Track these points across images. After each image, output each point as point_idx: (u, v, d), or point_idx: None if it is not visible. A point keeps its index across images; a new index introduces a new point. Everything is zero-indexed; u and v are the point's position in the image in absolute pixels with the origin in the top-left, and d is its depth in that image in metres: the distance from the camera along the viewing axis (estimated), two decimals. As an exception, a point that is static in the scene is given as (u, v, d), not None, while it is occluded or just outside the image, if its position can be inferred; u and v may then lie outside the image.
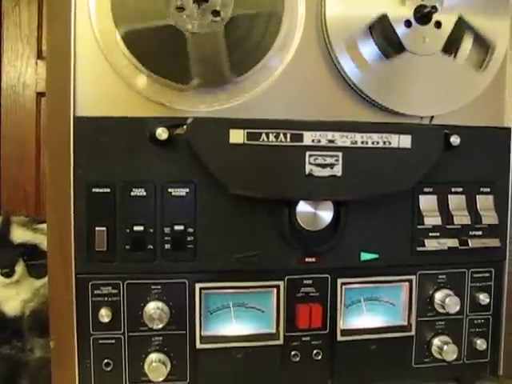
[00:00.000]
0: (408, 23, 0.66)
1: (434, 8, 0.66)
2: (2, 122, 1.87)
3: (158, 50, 0.62)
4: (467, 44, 0.70)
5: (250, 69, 0.64)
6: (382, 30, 0.67)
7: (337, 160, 0.64)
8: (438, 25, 0.67)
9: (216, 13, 0.62)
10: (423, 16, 0.66)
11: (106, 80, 0.63)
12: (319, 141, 0.64)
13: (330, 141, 0.64)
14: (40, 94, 1.86)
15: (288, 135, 0.63)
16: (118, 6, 0.61)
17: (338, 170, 0.64)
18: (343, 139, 0.64)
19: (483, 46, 0.70)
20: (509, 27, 0.71)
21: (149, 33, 0.61)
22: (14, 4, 1.87)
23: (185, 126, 0.62)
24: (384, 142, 0.65)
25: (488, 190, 0.73)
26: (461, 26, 0.68)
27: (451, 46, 0.68)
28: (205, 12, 0.62)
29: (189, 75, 0.62)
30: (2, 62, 1.86)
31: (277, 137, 0.63)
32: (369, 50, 0.67)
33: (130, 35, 0.61)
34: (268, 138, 0.63)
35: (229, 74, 0.63)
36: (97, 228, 0.64)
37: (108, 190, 0.63)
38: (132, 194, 0.64)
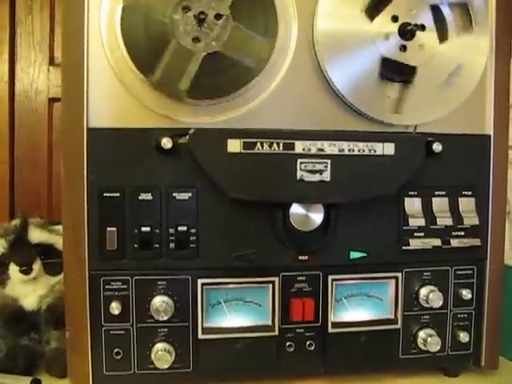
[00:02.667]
0: (394, 18, 0.71)
1: (416, 26, 0.71)
2: (16, 127, 1.88)
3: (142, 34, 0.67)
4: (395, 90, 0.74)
5: (244, 85, 0.68)
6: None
7: (326, 166, 0.69)
8: (404, 49, 0.72)
9: (218, 16, 0.67)
10: (405, 30, 0.71)
11: (116, 94, 0.67)
12: (309, 149, 0.68)
13: (320, 149, 0.68)
14: (52, 100, 1.85)
15: (281, 144, 0.68)
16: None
17: (326, 176, 0.69)
18: (331, 147, 0.69)
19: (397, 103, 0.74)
20: (488, 42, 0.76)
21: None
22: (27, 12, 1.88)
23: (187, 137, 0.67)
24: (369, 150, 0.70)
25: (470, 193, 0.77)
26: (407, 73, 0.73)
27: (388, 71, 0.72)
28: (211, 26, 0.66)
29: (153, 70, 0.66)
30: (15, 68, 1.87)
31: (270, 146, 0.67)
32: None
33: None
34: (262, 146, 0.67)
35: (183, 96, 0.67)
36: (108, 229, 0.68)
37: (118, 195, 0.68)
38: (140, 198, 0.68)
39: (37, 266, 0.82)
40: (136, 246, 0.69)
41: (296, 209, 0.70)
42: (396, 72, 0.73)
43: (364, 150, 0.70)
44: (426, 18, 0.72)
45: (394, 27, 0.71)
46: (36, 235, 0.84)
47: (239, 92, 0.69)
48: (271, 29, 0.69)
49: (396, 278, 0.76)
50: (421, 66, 0.72)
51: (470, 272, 0.78)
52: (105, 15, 0.67)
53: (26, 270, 0.80)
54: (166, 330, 0.71)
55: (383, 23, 0.71)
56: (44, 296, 0.83)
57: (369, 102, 0.72)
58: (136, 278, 0.70)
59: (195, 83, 0.66)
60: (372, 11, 0.71)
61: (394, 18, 0.71)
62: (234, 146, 0.67)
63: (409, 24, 0.71)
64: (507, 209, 1.90)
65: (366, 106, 0.72)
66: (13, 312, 0.82)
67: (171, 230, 0.69)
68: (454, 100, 0.75)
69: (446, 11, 0.73)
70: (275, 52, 0.69)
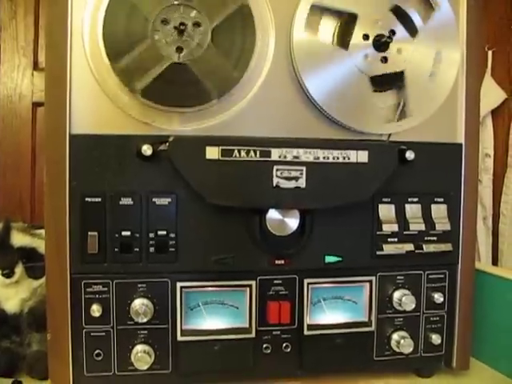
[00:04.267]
0: (366, 37, 0.74)
1: (390, 38, 0.73)
2: (-1, 131, 1.88)
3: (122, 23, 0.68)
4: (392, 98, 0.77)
5: (197, 105, 0.70)
6: (344, 23, 0.74)
7: (301, 173, 0.70)
8: (385, 60, 0.74)
9: (197, 25, 0.69)
10: (379, 43, 0.74)
11: (98, 102, 0.69)
12: (285, 156, 0.70)
13: (295, 156, 0.70)
14: (36, 104, 1.85)
15: (257, 152, 0.69)
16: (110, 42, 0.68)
17: (302, 183, 0.71)
18: (307, 155, 0.71)
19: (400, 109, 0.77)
20: (460, 53, 0.78)
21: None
22: (11, 17, 1.88)
23: (167, 144, 0.68)
24: (343, 158, 0.72)
25: (442, 199, 0.79)
26: (397, 80, 0.76)
27: (379, 85, 0.75)
28: (191, 34, 0.68)
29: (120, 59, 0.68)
30: (-1, 73, 1.88)
31: (248, 153, 0.69)
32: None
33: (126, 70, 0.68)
34: (240, 154, 0.69)
35: (137, 93, 0.68)
36: (89, 233, 0.69)
37: (99, 200, 0.69)
38: (120, 203, 0.70)
39: (19, 269, 0.83)
40: (116, 249, 0.70)
41: (272, 214, 0.72)
42: (386, 83, 0.76)
43: (338, 158, 0.72)
44: (393, 22, 0.75)
45: (369, 45, 0.74)
46: (19, 239, 0.85)
47: (194, 108, 0.70)
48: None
49: (370, 281, 0.78)
50: (407, 68, 0.75)
51: (441, 276, 0.81)
52: (87, 21, 0.68)
53: (8, 273, 0.81)
54: (145, 331, 0.72)
55: (358, 46, 0.74)
56: (26, 299, 0.84)
57: (345, 111, 0.74)
58: (116, 281, 0.71)
59: (152, 85, 0.68)
60: (342, 39, 0.74)
61: (365, 37, 0.74)
62: (213, 153, 0.68)
63: (382, 36, 0.73)
64: (483, 214, 1.94)
65: (343, 116, 0.74)
66: (-6, 315, 0.82)
67: (151, 235, 0.71)
68: (427, 109, 0.77)
69: (406, 6, 0.75)
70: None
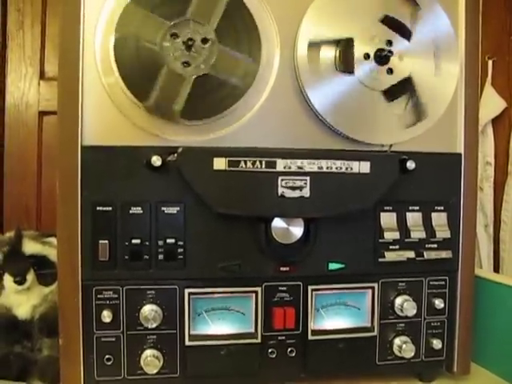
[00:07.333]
0: (367, 56, 0.76)
1: (390, 52, 0.75)
2: (6, 139, 1.89)
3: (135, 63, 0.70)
4: (402, 104, 0.79)
5: (234, 103, 0.72)
6: (343, 50, 0.75)
7: (305, 183, 0.72)
8: (390, 71, 0.76)
9: (205, 40, 0.70)
10: (381, 57, 0.75)
11: (109, 115, 0.71)
12: (290, 167, 0.72)
13: (299, 167, 0.72)
14: (42, 113, 1.86)
15: (263, 162, 0.71)
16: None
17: (306, 192, 0.73)
18: (311, 165, 0.73)
19: (416, 111, 0.79)
20: (458, 64, 0.80)
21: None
22: (19, 27, 1.89)
23: (175, 155, 0.71)
24: (346, 168, 0.74)
25: (442, 208, 0.81)
26: (407, 85, 0.77)
27: (391, 95, 0.77)
28: (199, 51, 0.70)
29: (148, 96, 0.70)
30: (6, 82, 1.89)
31: (254, 164, 0.71)
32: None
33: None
34: (246, 164, 0.71)
35: (177, 117, 0.71)
36: (100, 241, 0.71)
37: (110, 209, 0.71)
38: (130, 212, 0.72)
39: (30, 276, 0.85)
40: (127, 257, 0.72)
41: (277, 223, 0.74)
42: (398, 91, 0.77)
43: (341, 168, 0.74)
44: (387, 32, 0.76)
45: (372, 62, 0.76)
46: (30, 247, 0.87)
47: (229, 110, 0.72)
48: (255, 51, 0.73)
49: (372, 288, 0.80)
50: (413, 72, 0.77)
51: (442, 282, 0.82)
52: (99, 40, 0.70)
53: (20, 280, 0.83)
54: (154, 337, 0.74)
55: (361, 66, 0.75)
56: (37, 305, 0.85)
57: (348, 122, 0.76)
58: (126, 287, 0.73)
59: (188, 105, 0.70)
60: (346, 64, 0.75)
61: (367, 56, 0.76)
62: (220, 163, 0.70)
63: (382, 50, 0.75)
64: (485, 222, 1.95)
65: (346, 127, 0.76)
66: (6, 321, 0.84)
67: (160, 243, 0.73)
68: (427, 120, 0.79)
69: (393, 13, 0.77)
70: (259, 74, 0.73)
